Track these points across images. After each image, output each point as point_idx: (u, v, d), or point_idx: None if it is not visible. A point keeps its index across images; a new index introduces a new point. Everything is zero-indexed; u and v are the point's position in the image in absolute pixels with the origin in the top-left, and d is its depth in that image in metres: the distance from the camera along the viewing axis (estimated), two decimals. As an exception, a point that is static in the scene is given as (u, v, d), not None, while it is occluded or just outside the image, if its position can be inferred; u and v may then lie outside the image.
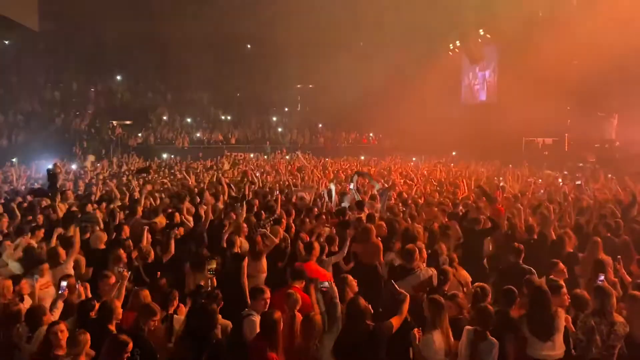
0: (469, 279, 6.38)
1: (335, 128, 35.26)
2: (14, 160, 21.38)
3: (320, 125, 36.43)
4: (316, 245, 6.73)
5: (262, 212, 9.14)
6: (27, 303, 5.54)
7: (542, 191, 12.76)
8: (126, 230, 7.90)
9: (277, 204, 9.42)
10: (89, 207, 9.58)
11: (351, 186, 11.94)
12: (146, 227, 7.69)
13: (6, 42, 32.50)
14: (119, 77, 36.98)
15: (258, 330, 4.72)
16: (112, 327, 4.94)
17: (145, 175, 14.96)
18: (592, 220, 8.82)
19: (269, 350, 4.38)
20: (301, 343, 4.75)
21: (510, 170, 17.92)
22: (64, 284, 5.47)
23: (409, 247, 6.47)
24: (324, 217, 8.85)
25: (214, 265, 5.39)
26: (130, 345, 4.27)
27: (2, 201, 11.01)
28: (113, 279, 5.76)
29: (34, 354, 4.62)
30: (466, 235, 7.94)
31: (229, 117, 37.26)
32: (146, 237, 7.41)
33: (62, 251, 6.66)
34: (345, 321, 4.83)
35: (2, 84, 30.41)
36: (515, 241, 7.34)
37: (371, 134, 35.12)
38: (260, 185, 13.44)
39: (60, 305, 5.38)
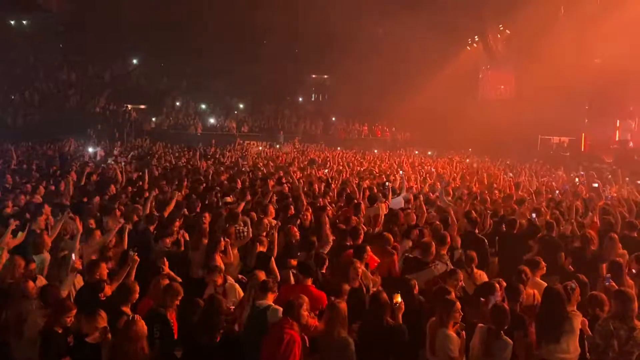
0: (485, 278, 6.14)
1: (349, 120, 35.09)
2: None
3: (333, 118, 36.19)
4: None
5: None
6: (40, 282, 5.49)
7: (557, 192, 12.46)
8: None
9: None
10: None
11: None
12: None
13: (24, 22, 32.61)
14: (134, 61, 36.90)
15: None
16: (127, 309, 4.85)
17: None
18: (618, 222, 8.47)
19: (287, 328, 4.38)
20: (324, 329, 4.66)
21: (526, 168, 17.66)
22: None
23: (425, 241, 6.43)
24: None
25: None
26: None
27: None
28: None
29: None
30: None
31: (242, 105, 37.19)
32: None
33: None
34: (366, 315, 4.83)
35: (19, 63, 30.52)
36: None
37: (385, 128, 34.80)
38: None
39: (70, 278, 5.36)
